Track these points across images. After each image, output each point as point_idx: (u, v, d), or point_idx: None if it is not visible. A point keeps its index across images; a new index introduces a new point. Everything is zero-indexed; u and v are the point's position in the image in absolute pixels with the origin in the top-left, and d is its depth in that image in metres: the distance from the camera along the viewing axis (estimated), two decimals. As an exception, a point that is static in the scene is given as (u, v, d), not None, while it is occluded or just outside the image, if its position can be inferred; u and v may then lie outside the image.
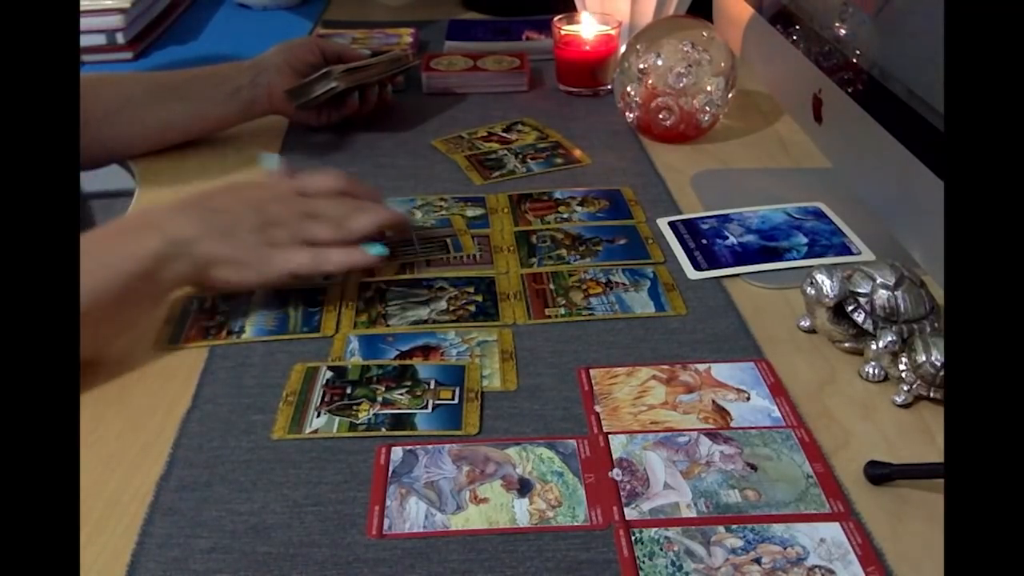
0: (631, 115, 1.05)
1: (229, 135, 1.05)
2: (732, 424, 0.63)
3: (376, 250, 0.75)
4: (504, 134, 1.08)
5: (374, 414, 0.64)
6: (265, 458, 0.61)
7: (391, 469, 0.60)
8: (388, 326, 0.74)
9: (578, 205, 0.92)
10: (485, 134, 1.08)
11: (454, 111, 1.15)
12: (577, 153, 1.03)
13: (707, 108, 1.01)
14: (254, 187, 0.77)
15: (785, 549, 0.54)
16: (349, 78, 1.01)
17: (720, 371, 0.68)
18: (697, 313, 0.75)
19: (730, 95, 1.03)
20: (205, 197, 0.74)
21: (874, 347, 0.67)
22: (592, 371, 0.69)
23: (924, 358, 0.64)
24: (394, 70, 1.09)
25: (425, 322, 0.74)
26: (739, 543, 0.54)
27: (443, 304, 0.76)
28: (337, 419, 0.64)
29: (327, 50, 1.06)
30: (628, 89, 1.04)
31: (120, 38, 1.32)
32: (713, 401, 0.65)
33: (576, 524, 0.56)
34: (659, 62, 1.00)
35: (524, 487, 0.59)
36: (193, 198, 0.74)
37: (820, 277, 0.68)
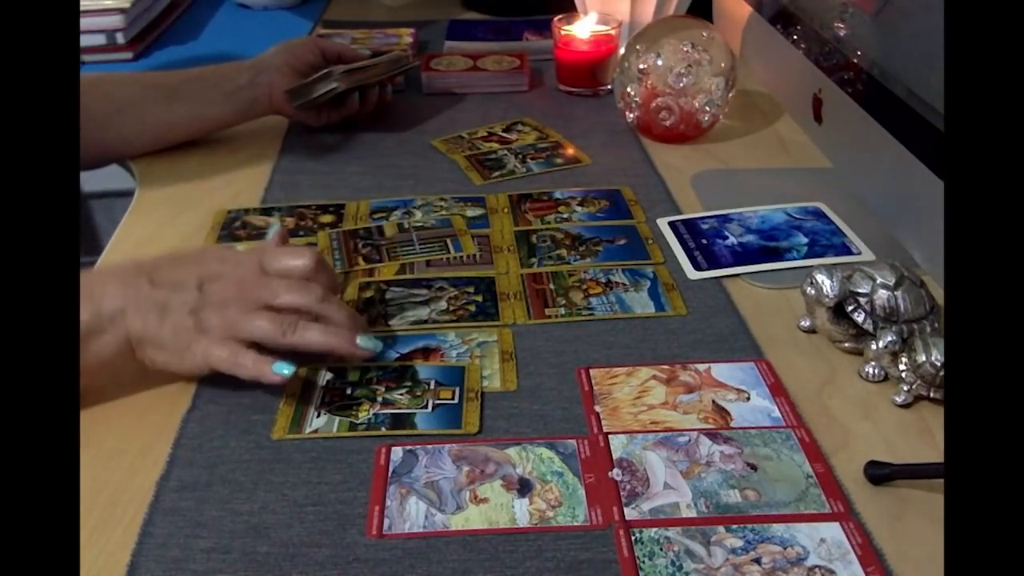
0: (631, 115, 1.05)
1: (229, 135, 1.05)
2: (732, 424, 0.63)
3: (284, 371, 0.64)
4: (504, 134, 1.08)
5: (374, 414, 0.64)
6: (265, 458, 0.61)
7: (391, 469, 0.60)
8: (388, 326, 0.74)
9: (578, 205, 0.92)
10: (485, 134, 1.08)
11: (454, 111, 1.15)
12: (577, 153, 1.03)
13: (707, 108, 1.01)
14: (212, 259, 0.68)
15: (785, 549, 0.54)
16: (350, 79, 1.01)
17: (720, 371, 0.68)
18: (697, 313, 0.75)
19: (730, 95, 1.03)
20: (154, 266, 0.67)
21: (874, 347, 0.67)
22: (592, 371, 0.69)
23: (924, 358, 0.64)
24: (394, 71, 1.09)
25: (425, 322, 0.74)
26: (739, 543, 0.54)
27: (443, 304, 0.76)
28: (337, 419, 0.64)
29: (327, 50, 1.06)
30: (628, 89, 1.04)
31: (120, 38, 1.32)
32: (713, 401, 0.65)
33: (576, 524, 0.56)
34: (659, 62, 1.00)
35: (524, 487, 0.59)
36: (142, 264, 0.67)
37: (820, 277, 0.68)
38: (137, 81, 1.02)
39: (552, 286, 0.79)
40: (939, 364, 0.63)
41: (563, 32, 1.17)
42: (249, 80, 1.00)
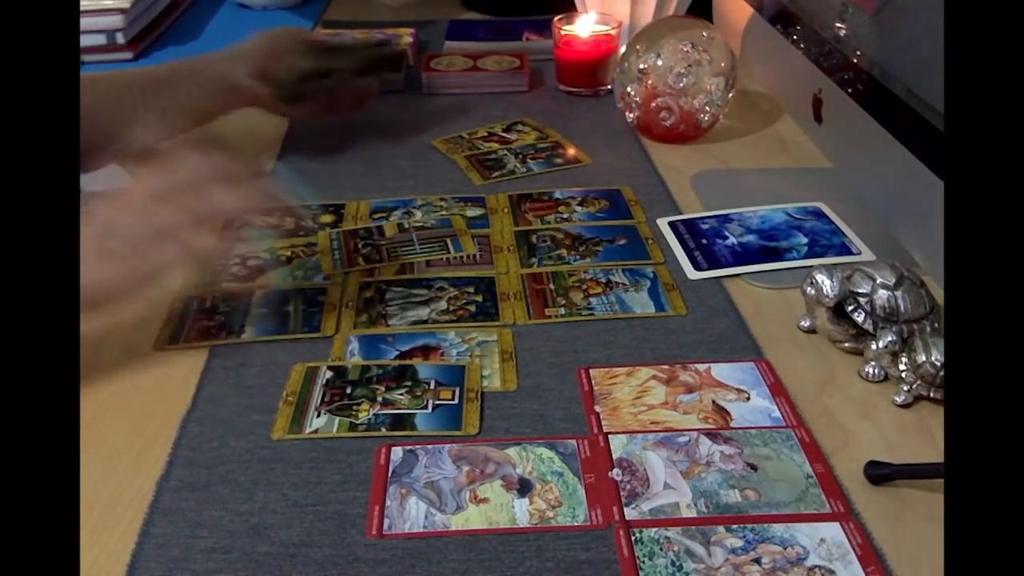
0: (631, 115, 1.05)
1: (229, 135, 1.04)
2: (732, 424, 0.63)
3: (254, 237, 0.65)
4: (504, 134, 1.08)
5: (374, 414, 0.64)
6: (265, 458, 0.61)
7: (391, 469, 0.60)
8: (388, 326, 0.74)
9: (578, 205, 0.92)
10: (485, 134, 1.08)
11: (454, 111, 1.15)
12: (577, 153, 1.03)
13: (707, 108, 1.01)
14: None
15: (785, 549, 0.54)
16: (321, 57, 0.99)
17: (720, 371, 0.68)
18: (697, 313, 0.75)
19: (730, 95, 1.03)
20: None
21: (874, 347, 0.67)
22: (592, 371, 0.69)
23: (924, 358, 0.64)
24: (375, 56, 1.06)
25: (425, 322, 0.74)
26: (739, 543, 0.54)
27: (443, 304, 0.76)
28: (337, 419, 0.64)
29: (308, 39, 1.04)
30: (628, 89, 1.04)
31: (120, 38, 1.32)
32: (713, 401, 0.65)
33: (576, 524, 0.56)
34: (659, 62, 1.00)
35: (524, 487, 0.59)
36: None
37: (820, 277, 0.68)
38: (114, 80, 1.00)
39: (552, 286, 0.79)
40: (939, 364, 0.63)
41: (563, 32, 1.17)
42: (228, 69, 0.99)
